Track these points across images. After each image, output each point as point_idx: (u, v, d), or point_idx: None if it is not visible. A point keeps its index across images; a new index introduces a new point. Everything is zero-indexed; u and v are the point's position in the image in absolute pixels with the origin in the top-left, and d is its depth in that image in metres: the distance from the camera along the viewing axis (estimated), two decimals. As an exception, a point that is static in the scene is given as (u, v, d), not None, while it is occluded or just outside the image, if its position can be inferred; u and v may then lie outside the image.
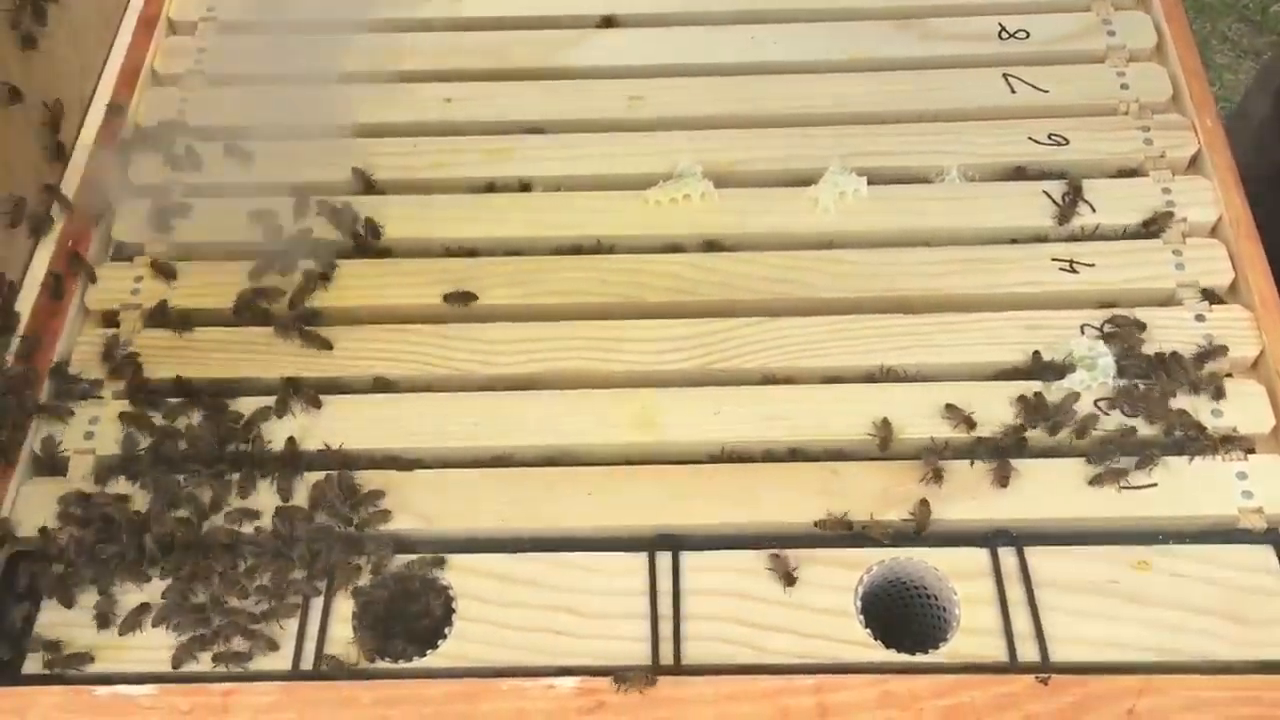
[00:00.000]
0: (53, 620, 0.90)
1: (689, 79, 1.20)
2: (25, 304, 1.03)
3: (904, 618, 0.96)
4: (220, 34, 1.24)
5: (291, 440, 0.97)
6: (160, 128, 1.15)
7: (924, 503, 0.93)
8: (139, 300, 1.06)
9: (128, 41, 1.18)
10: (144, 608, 0.89)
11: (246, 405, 0.99)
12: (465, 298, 1.05)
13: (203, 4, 1.25)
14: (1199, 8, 3.07)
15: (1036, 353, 1.01)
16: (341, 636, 0.89)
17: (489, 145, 1.15)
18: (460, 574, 0.92)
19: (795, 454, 0.98)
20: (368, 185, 1.12)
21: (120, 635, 0.88)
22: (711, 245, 1.10)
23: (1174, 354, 1.01)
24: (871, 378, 1.02)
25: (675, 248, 1.09)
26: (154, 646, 0.89)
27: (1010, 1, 1.25)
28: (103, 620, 0.89)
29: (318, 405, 0.99)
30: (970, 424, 0.98)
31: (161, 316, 1.04)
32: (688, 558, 0.93)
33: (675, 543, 0.93)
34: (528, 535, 0.94)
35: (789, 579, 0.90)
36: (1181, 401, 0.98)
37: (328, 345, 1.02)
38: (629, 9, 1.25)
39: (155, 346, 1.03)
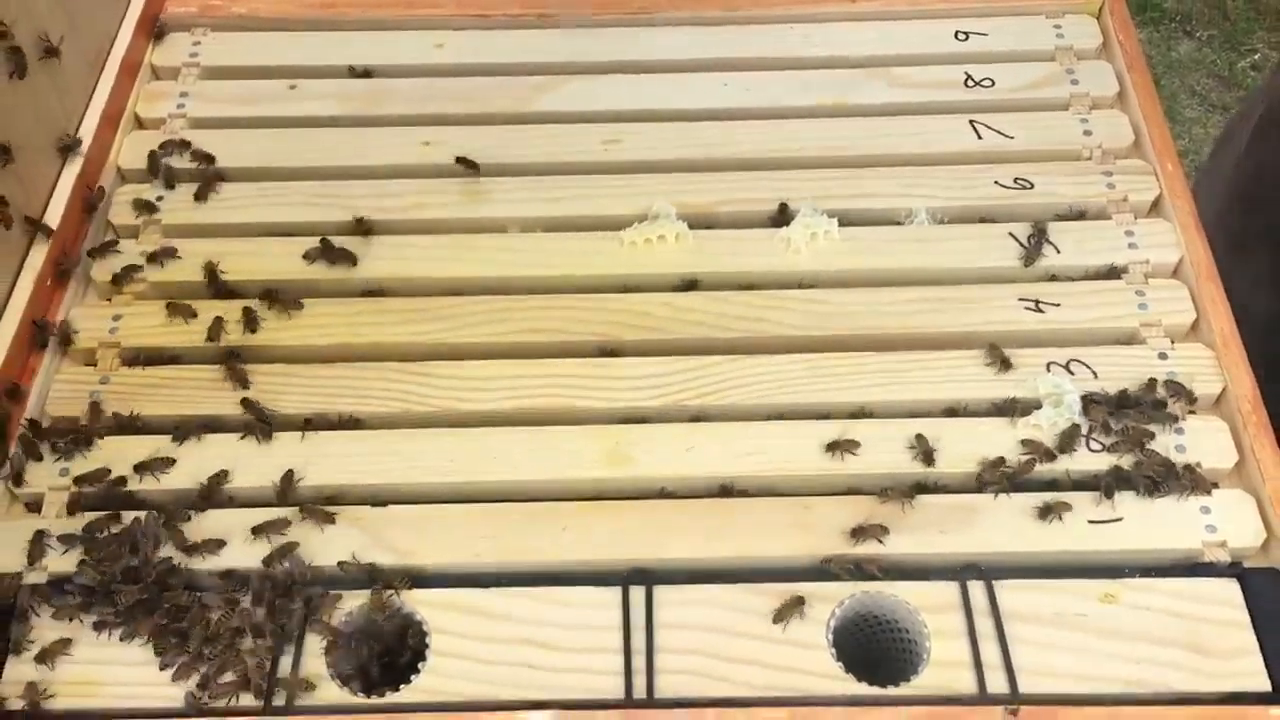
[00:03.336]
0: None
1: (663, 124, 1.22)
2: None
3: (875, 651, 0.97)
4: (203, 79, 1.26)
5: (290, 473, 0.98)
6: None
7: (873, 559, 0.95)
8: (117, 339, 1.07)
9: (110, 86, 1.19)
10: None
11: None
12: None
13: (185, 51, 1.27)
14: (1168, 63, 3.14)
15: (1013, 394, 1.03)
16: (314, 673, 0.89)
17: (466, 186, 1.17)
18: (435, 609, 0.92)
19: (767, 489, 0.99)
20: (363, 229, 1.14)
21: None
22: (685, 285, 1.11)
23: (1139, 391, 1.03)
24: (843, 414, 1.03)
25: (650, 287, 1.11)
26: (126, 683, 0.89)
27: (976, 51, 1.28)
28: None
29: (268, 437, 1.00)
30: (928, 458, 0.99)
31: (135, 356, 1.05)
32: (661, 592, 0.93)
33: (648, 577, 0.94)
34: (502, 570, 0.95)
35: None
36: (1149, 439, 1.00)
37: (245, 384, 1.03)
38: (605, 57, 1.28)
39: (131, 383, 1.04)
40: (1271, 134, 1.49)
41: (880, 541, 0.95)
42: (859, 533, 0.95)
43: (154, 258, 1.10)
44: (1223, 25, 3.27)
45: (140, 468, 0.98)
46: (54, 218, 1.09)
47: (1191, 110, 3.11)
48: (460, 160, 1.15)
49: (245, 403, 1.01)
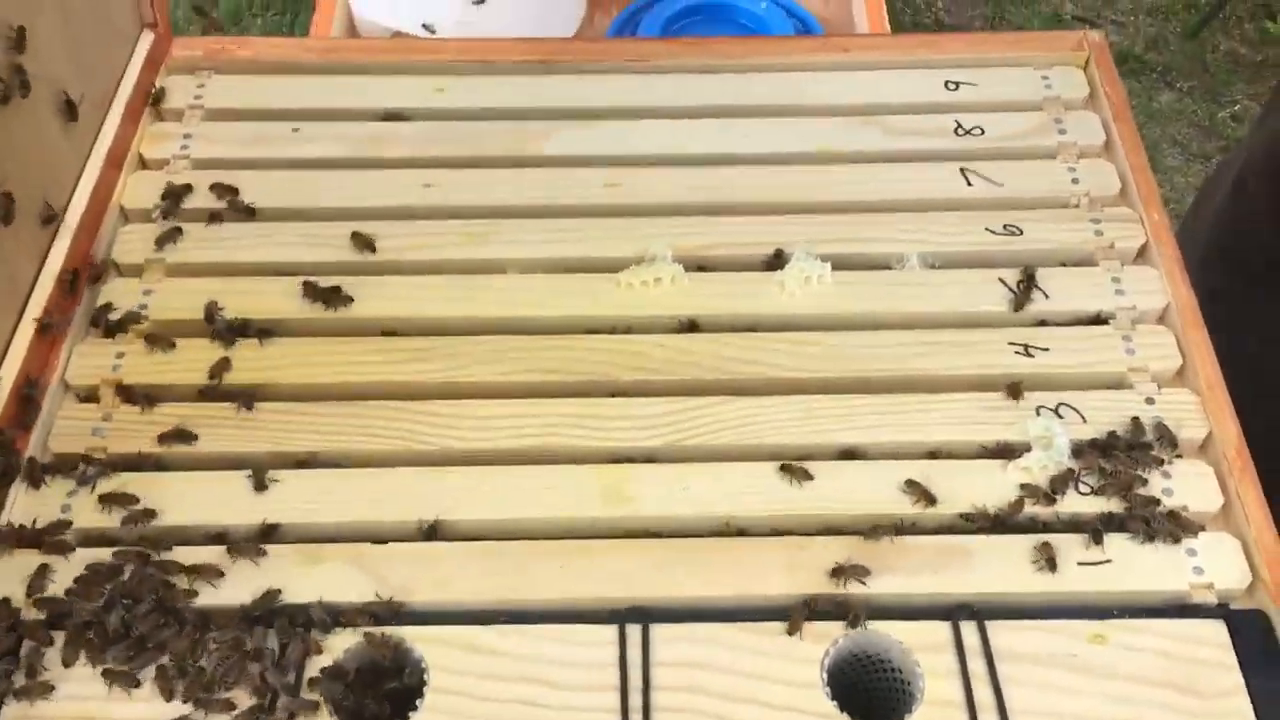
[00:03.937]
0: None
1: (661, 168, 1.25)
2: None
3: (869, 690, 0.98)
4: (207, 121, 1.27)
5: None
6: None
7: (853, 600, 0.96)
8: (120, 376, 1.08)
9: (116, 126, 1.21)
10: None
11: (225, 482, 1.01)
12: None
13: (189, 92, 1.29)
14: (1150, 113, 3.21)
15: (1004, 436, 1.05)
16: (311, 708, 0.90)
17: (467, 229, 1.19)
18: (432, 645, 0.93)
19: (763, 528, 1.01)
20: (368, 246, 1.16)
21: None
22: (682, 327, 1.13)
23: (1127, 435, 1.05)
24: (837, 455, 1.05)
25: (647, 329, 1.13)
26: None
27: (966, 100, 1.31)
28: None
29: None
30: (930, 499, 1.01)
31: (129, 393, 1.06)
32: (657, 630, 0.94)
33: (645, 615, 0.95)
34: (500, 608, 0.96)
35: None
36: (1136, 483, 1.02)
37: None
38: (605, 102, 1.30)
39: (133, 421, 1.05)
40: (1250, 186, 1.52)
41: (862, 582, 0.96)
42: (839, 572, 0.96)
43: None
44: (1203, 77, 3.34)
45: (113, 501, 0.99)
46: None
47: (1173, 159, 3.17)
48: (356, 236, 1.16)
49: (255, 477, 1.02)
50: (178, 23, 1.76)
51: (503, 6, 1.73)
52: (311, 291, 1.12)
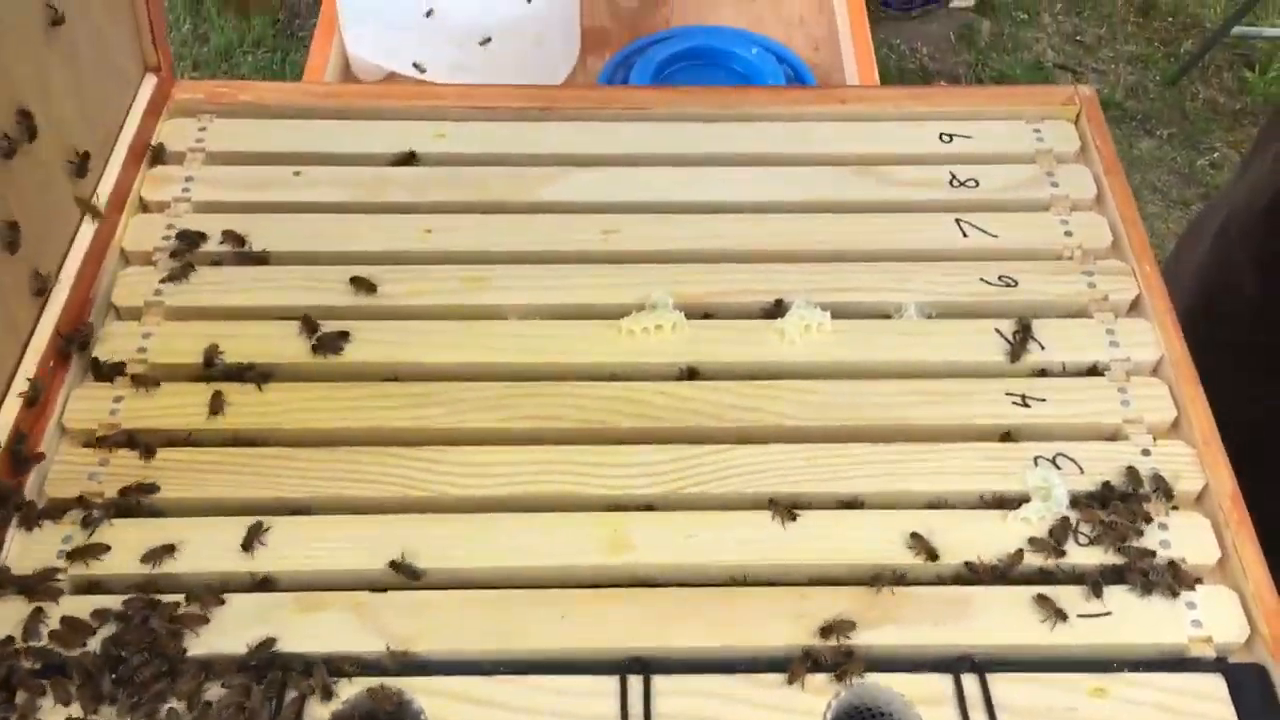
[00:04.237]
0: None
1: (663, 215, 1.25)
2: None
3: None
4: (208, 164, 1.28)
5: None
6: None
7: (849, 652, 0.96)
8: (118, 420, 1.07)
9: (118, 169, 1.21)
10: None
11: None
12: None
13: (191, 135, 1.29)
14: (1130, 160, 3.25)
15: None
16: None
17: (467, 274, 1.19)
18: (432, 696, 0.92)
19: (765, 579, 1.01)
20: (369, 290, 1.16)
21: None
22: (682, 374, 1.14)
23: (1124, 487, 1.05)
24: (838, 504, 1.05)
25: (648, 376, 1.13)
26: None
27: (960, 152, 1.33)
28: None
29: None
30: (932, 554, 1.01)
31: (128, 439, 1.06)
32: (659, 681, 0.94)
33: (646, 666, 0.95)
34: (500, 658, 0.95)
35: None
36: (1134, 535, 1.03)
37: None
38: (606, 149, 1.31)
39: (131, 465, 1.04)
40: (1232, 235, 1.54)
41: (847, 637, 0.96)
42: (828, 631, 0.96)
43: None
44: (1182, 124, 3.40)
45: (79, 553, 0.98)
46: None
47: (1153, 206, 3.21)
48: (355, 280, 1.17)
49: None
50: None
51: (498, 49, 1.74)
52: (308, 326, 1.12)
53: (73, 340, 1.10)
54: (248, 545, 0.99)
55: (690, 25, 2.14)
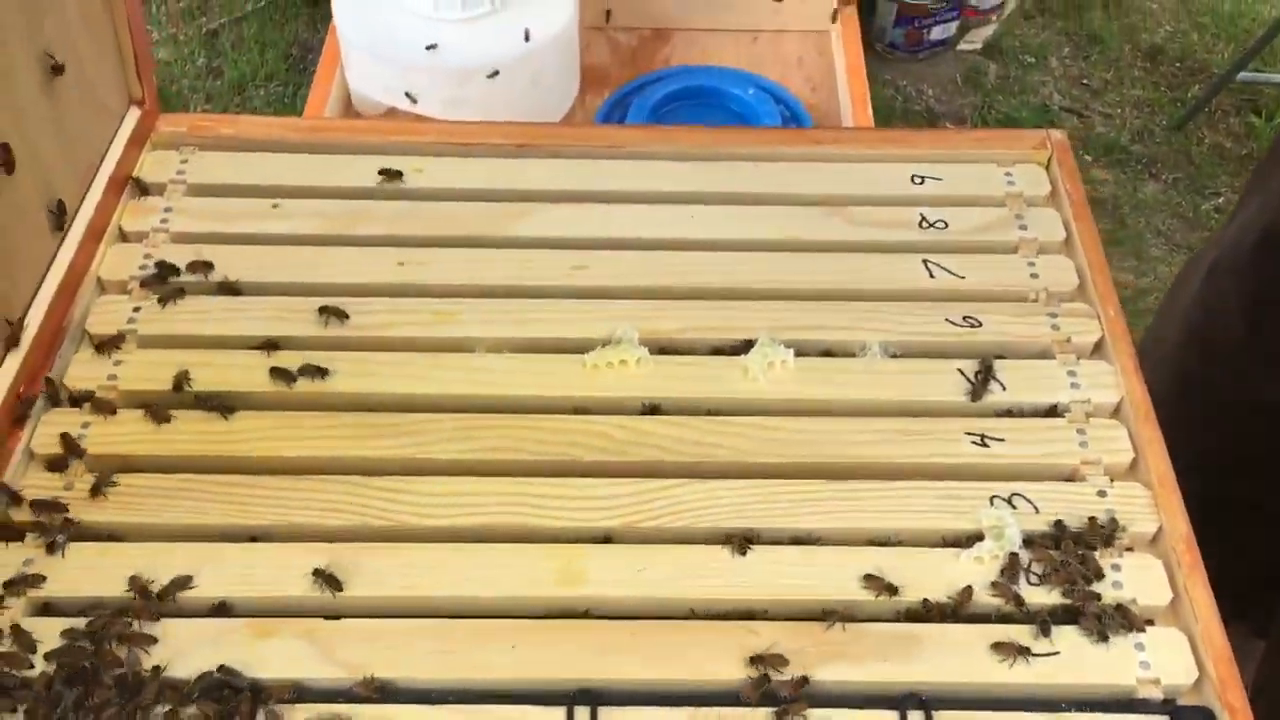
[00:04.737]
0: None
1: (630, 252, 1.27)
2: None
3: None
4: (188, 196, 1.30)
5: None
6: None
7: (803, 679, 0.97)
8: (83, 446, 1.09)
9: (98, 199, 1.24)
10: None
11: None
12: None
13: (172, 167, 1.32)
14: (1134, 203, 3.26)
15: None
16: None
17: (436, 308, 1.21)
18: (380, 724, 0.94)
19: (716, 613, 1.01)
20: (339, 317, 1.19)
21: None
22: (644, 409, 1.15)
23: (1078, 528, 1.06)
24: (793, 540, 1.06)
25: (610, 410, 1.15)
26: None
27: (930, 194, 1.35)
28: None
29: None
30: (891, 590, 1.02)
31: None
32: (605, 713, 0.95)
33: (594, 698, 0.96)
34: (451, 686, 0.96)
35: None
36: (1085, 575, 1.03)
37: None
38: (577, 186, 1.34)
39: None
40: (1221, 272, 1.55)
41: (779, 671, 0.96)
42: (758, 661, 0.97)
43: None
44: (1188, 169, 3.40)
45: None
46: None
47: (1157, 249, 3.22)
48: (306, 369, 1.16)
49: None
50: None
51: (495, 85, 1.77)
52: (280, 375, 1.14)
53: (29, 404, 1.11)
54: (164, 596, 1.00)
55: (690, 65, 2.17)
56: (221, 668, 0.95)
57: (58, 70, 1.15)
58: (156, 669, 0.95)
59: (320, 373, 1.14)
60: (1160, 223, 3.29)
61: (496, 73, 1.78)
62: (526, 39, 1.82)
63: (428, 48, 1.78)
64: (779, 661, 0.96)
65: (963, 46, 3.69)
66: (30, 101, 1.12)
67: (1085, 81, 3.74)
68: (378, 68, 1.78)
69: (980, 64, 3.68)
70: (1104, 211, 3.20)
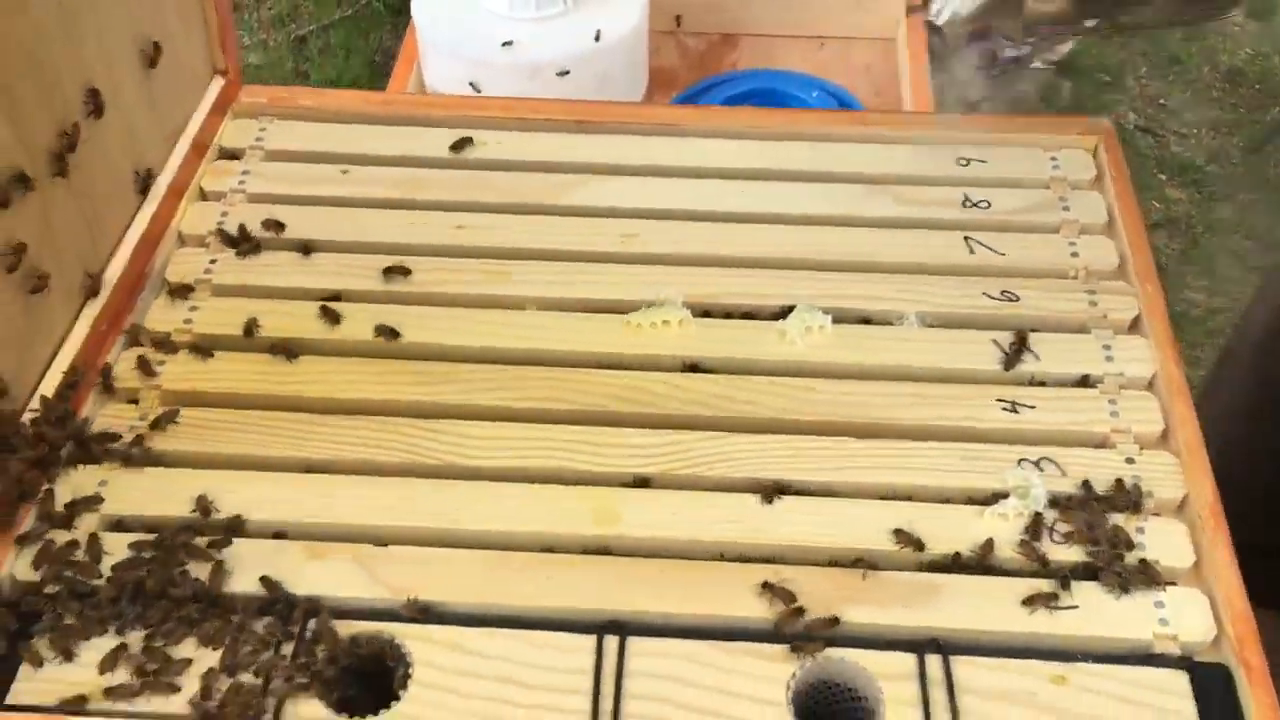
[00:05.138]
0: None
1: (679, 222, 1.32)
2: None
3: (835, 717, 1.01)
4: (265, 161, 1.39)
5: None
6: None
7: (834, 619, 1.00)
8: (158, 382, 1.17)
9: (180, 161, 1.32)
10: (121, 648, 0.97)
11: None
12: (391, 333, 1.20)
13: (251, 134, 1.41)
14: (1208, 224, 3.24)
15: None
16: (302, 694, 0.96)
17: (491, 268, 1.27)
18: (420, 643, 0.99)
19: (744, 557, 1.05)
20: (401, 274, 1.25)
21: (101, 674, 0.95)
22: (684, 367, 1.19)
23: (1104, 489, 1.08)
24: (820, 491, 1.09)
25: (650, 367, 1.19)
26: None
27: (975, 175, 1.38)
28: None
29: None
30: (919, 546, 1.05)
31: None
32: (633, 643, 0.99)
33: (622, 628, 1.00)
34: (486, 612, 1.01)
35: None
36: (1110, 534, 1.05)
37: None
38: (631, 160, 1.39)
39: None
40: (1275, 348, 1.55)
41: (785, 604, 1.00)
42: (768, 587, 1.01)
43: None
44: (1264, 191, 3.36)
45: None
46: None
47: (1232, 271, 3.18)
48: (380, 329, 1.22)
49: None
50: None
51: (565, 83, 1.84)
52: (328, 315, 1.21)
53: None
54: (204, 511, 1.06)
55: (756, 68, 2.22)
56: (273, 581, 1.01)
57: (153, 62, 1.24)
58: (216, 581, 1.01)
59: (393, 334, 1.20)
60: (1234, 244, 3.26)
61: (567, 71, 1.85)
62: (597, 39, 1.88)
63: (503, 45, 1.86)
64: (787, 596, 1.00)
65: (1037, 64, 3.69)
66: (128, 74, 1.21)
67: (1162, 101, 3.71)
68: (453, 64, 1.86)
69: (1055, 82, 3.68)
70: (1177, 231, 3.18)
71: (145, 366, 1.16)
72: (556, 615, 1.01)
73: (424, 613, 1.01)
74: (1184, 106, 3.66)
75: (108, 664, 0.95)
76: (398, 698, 0.96)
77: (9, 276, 1.06)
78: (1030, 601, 1.00)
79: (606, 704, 0.95)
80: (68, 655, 0.96)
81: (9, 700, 0.94)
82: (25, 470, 1.04)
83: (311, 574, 1.03)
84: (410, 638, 0.99)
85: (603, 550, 1.06)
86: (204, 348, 1.19)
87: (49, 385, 1.11)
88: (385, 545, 1.05)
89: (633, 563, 1.05)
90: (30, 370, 1.10)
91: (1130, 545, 1.04)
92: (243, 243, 1.28)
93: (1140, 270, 1.26)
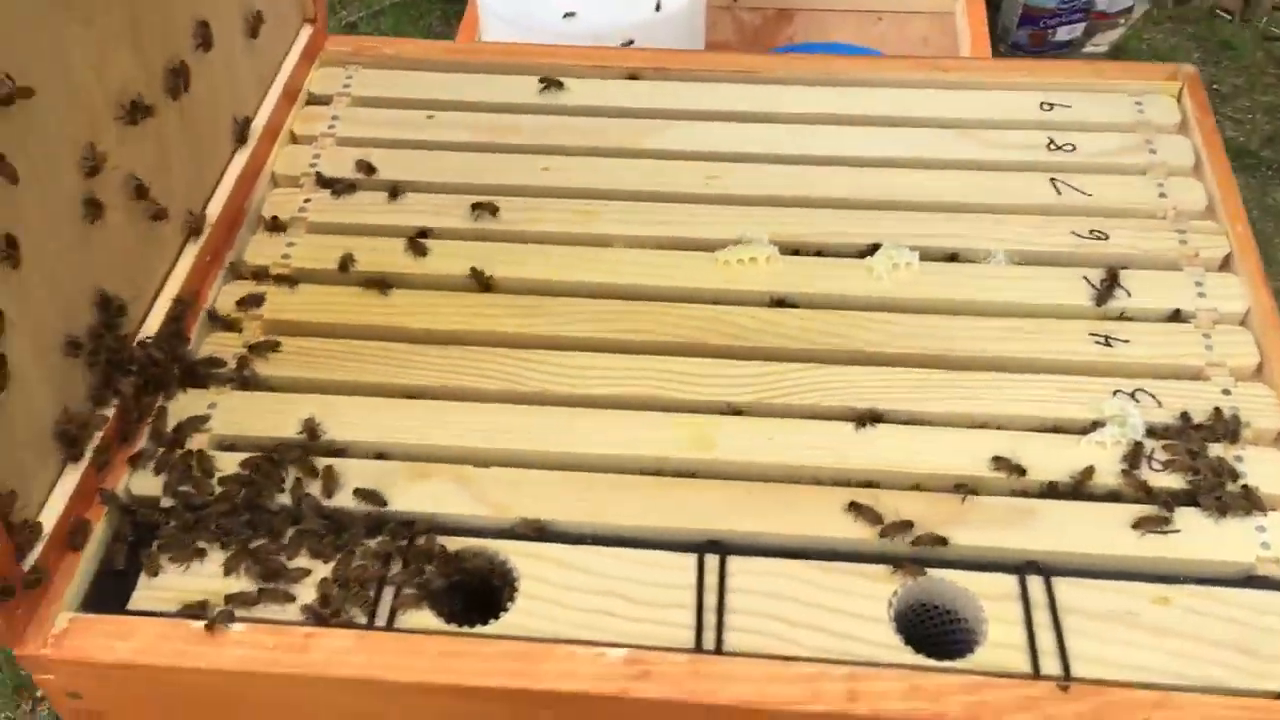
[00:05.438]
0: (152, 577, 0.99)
1: (763, 164, 1.33)
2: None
3: (932, 640, 1.02)
4: (352, 106, 1.41)
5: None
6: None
7: (941, 538, 1.01)
8: (260, 312, 1.19)
9: (273, 106, 1.35)
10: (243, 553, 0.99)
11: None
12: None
13: (339, 81, 1.43)
14: (1264, 208, 3.20)
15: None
16: (412, 605, 0.97)
17: (579, 207, 1.28)
18: (525, 558, 1.00)
19: (837, 479, 1.06)
20: (490, 211, 1.27)
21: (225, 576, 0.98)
22: (773, 302, 1.20)
23: (1202, 418, 1.08)
24: (913, 420, 1.10)
25: (739, 302, 1.20)
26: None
27: (1060, 119, 1.38)
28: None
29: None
30: (1019, 471, 1.05)
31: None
32: (733, 561, 1.00)
33: (723, 547, 1.01)
34: (588, 530, 1.02)
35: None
36: (1211, 461, 1.05)
37: None
38: (713, 106, 1.40)
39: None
40: None
41: (904, 539, 1.01)
42: (855, 507, 1.02)
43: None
44: (1322, 176, 3.33)
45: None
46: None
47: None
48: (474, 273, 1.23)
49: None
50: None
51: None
52: (414, 246, 1.23)
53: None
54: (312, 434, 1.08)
55: (812, 41, 2.23)
56: (378, 495, 1.03)
57: (255, 32, 1.27)
58: (328, 494, 1.03)
59: (485, 286, 1.22)
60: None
61: (631, 41, 1.86)
62: (658, 9, 1.90)
63: (565, 15, 1.87)
64: (874, 516, 1.01)
65: (1088, 49, 3.67)
66: (231, 21, 1.24)
67: (1215, 86, 3.68)
68: (515, 34, 1.88)
69: (1106, 66, 3.65)
70: (1232, 214, 3.15)
71: (247, 298, 1.18)
72: (656, 535, 1.02)
73: (539, 531, 1.02)
74: (1237, 93, 3.63)
75: (232, 566, 0.97)
76: (506, 609, 0.97)
77: (132, 205, 1.08)
78: (1139, 525, 1.00)
79: (710, 618, 0.96)
80: (187, 563, 0.98)
81: (130, 606, 0.96)
82: (137, 390, 1.06)
83: (415, 493, 1.04)
84: (515, 554, 1.00)
85: (699, 474, 1.07)
86: (301, 280, 1.21)
87: (158, 314, 1.13)
88: (486, 466, 1.06)
89: (730, 485, 1.05)
90: (143, 297, 1.13)
91: (1234, 475, 1.04)
92: (337, 183, 1.30)
93: (1230, 211, 1.26)
